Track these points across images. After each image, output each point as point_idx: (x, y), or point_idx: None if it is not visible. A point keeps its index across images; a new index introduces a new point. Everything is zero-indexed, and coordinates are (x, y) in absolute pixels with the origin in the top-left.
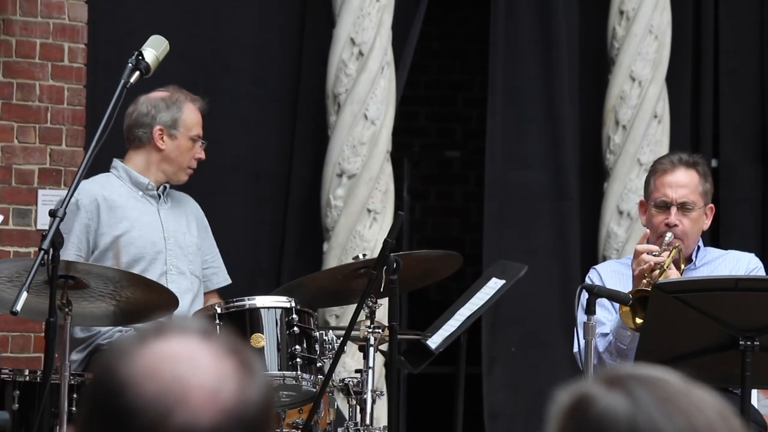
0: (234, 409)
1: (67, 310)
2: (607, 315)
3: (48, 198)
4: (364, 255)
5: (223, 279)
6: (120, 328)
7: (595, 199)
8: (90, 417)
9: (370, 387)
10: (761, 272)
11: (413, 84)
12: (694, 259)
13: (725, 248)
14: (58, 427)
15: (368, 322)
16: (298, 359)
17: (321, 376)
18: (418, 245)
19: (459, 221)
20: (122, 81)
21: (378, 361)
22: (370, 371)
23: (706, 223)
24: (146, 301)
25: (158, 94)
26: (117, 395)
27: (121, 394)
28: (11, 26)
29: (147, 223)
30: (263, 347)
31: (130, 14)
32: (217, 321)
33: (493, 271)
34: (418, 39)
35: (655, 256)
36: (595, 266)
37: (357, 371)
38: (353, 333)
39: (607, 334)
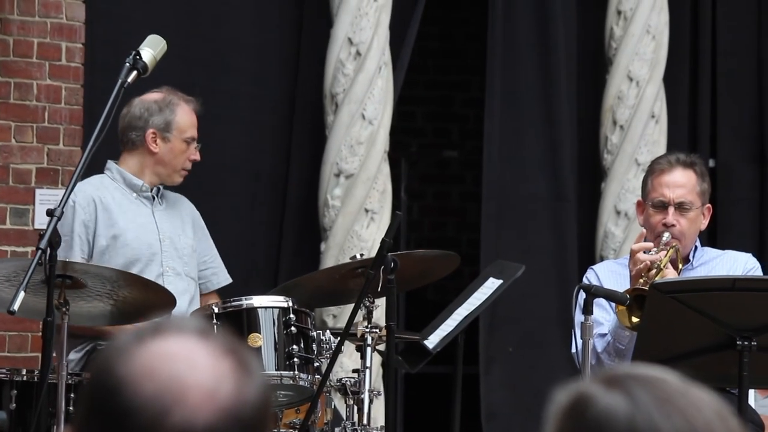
0: (231, 408)
1: (64, 309)
2: (604, 315)
3: (45, 197)
4: (361, 255)
5: (224, 278)
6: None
7: (592, 199)
8: (87, 416)
9: (367, 387)
10: (758, 272)
11: (411, 84)
12: (691, 259)
13: (723, 248)
14: (55, 427)
15: (365, 322)
16: (295, 359)
17: (318, 376)
18: (415, 245)
19: (456, 221)
20: (120, 80)
21: (375, 360)
22: (368, 371)
23: (704, 223)
24: (143, 301)
25: (151, 96)
26: (114, 394)
27: (118, 393)
28: (8, 26)
29: (142, 225)
30: (260, 347)
31: (127, 14)
32: (215, 321)
33: (490, 271)
34: (416, 39)
35: (650, 253)
36: (593, 266)
37: (354, 371)
38: (350, 333)
39: (605, 334)
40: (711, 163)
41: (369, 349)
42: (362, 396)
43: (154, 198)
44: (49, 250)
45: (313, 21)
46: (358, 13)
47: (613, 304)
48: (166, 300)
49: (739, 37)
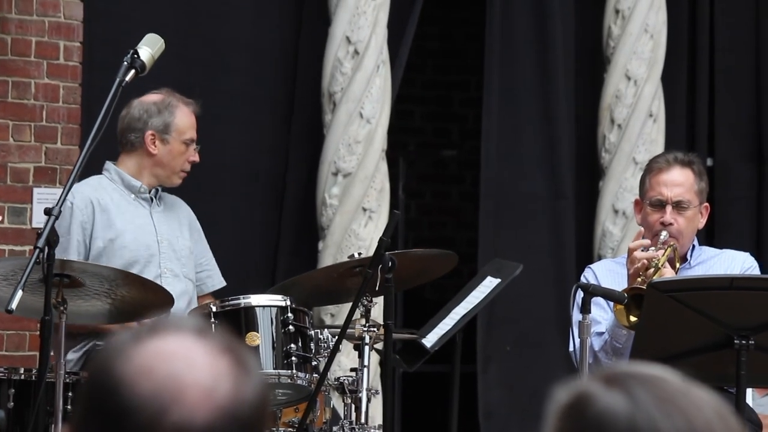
0: (229, 407)
1: (62, 308)
2: (602, 314)
3: (43, 196)
4: (359, 254)
5: (218, 282)
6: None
7: (590, 198)
8: (85, 415)
9: (365, 385)
10: (756, 271)
11: (409, 83)
12: (689, 258)
13: (720, 247)
14: (53, 426)
15: (363, 321)
16: (293, 358)
17: (316, 375)
18: (413, 244)
19: (454, 220)
20: (118, 79)
21: (373, 359)
22: (366, 370)
23: (702, 222)
24: (141, 300)
25: (151, 98)
26: (112, 394)
27: (116, 392)
28: (6, 24)
29: (140, 227)
30: (258, 346)
31: (125, 13)
32: (213, 319)
33: (488, 269)
34: (414, 39)
35: (647, 251)
36: (591, 265)
37: (352, 370)
38: (348, 331)
39: (603, 333)
40: (709, 161)
41: (367, 348)
42: (360, 395)
43: (152, 200)
44: (46, 248)
45: (312, 20)
46: (356, 11)
47: (611, 303)
48: (164, 299)
49: (737, 34)
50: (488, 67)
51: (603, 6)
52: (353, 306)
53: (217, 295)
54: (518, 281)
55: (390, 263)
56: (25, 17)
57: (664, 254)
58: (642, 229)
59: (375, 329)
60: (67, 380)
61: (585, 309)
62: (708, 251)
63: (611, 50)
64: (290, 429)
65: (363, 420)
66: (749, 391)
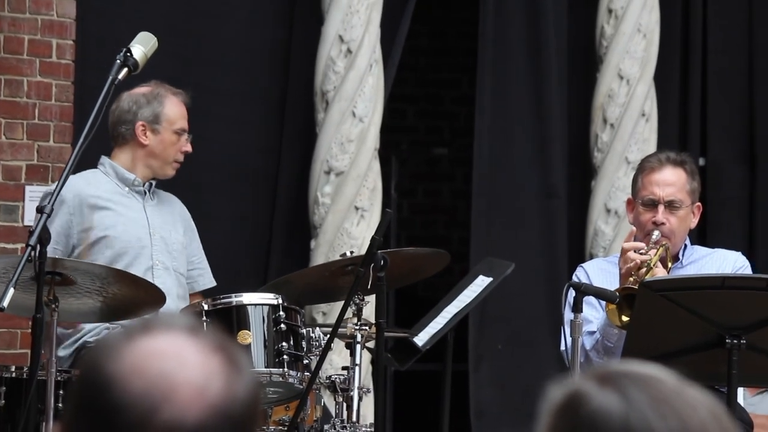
0: (221, 405)
1: (53, 306)
2: (594, 313)
3: (35, 194)
4: (351, 252)
5: (209, 281)
6: (107, 325)
7: (582, 197)
8: (76, 413)
9: (356, 384)
10: (748, 271)
11: (402, 82)
12: (681, 257)
13: (712, 247)
14: (44, 424)
15: (355, 320)
16: (285, 356)
17: (308, 373)
18: (405, 243)
19: (446, 219)
20: (110, 77)
21: (365, 358)
22: (357, 368)
23: (694, 222)
24: (133, 298)
25: (139, 90)
26: (104, 392)
27: (107, 390)
28: None
29: (132, 219)
30: (250, 344)
31: (118, 11)
32: (204, 318)
33: (480, 268)
34: (407, 37)
35: (641, 254)
36: (582, 264)
37: (344, 368)
38: (340, 330)
39: (594, 332)
40: (701, 161)
41: (358, 347)
42: (352, 393)
43: (145, 193)
44: (38, 246)
45: (305, 19)
46: (349, 10)
47: (603, 302)
48: (156, 297)
49: (730, 35)
50: (481, 66)
51: (596, 5)
52: (345, 304)
53: (209, 294)
54: (510, 280)
55: (382, 262)
56: (18, 15)
57: (656, 254)
58: (634, 228)
59: (367, 328)
60: (59, 378)
61: (577, 308)
62: (700, 251)
63: (604, 49)
64: (281, 427)
65: (354, 418)
66: (740, 390)
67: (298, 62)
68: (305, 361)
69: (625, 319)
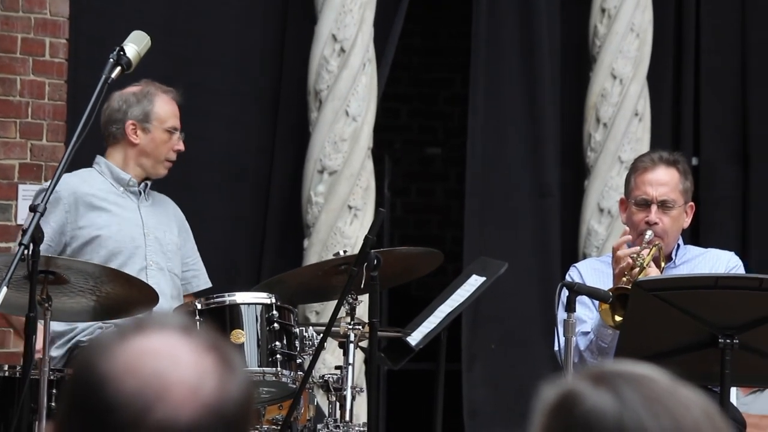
0: (214, 404)
1: (47, 305)
2: (587, 313)
3: (28, 193)
4: (344, 251)
5: (204, 282)
6: (100, 324)
7: (575, 196)
8: (69, 413)
9: (349, 383)
10: (741, 271)
11: (395, 81)
12: (674, 257)
13: (705, 246)
14: (37, 423)
15: (348, 319)
16: (278, 355)
17: (301, 373)
18: (399, 242)
19: (440, 218)
20: (103, 76)
21: (358, 357)
22: (350, 368)
23: (687, 221)
24: (126, 297)
25: (130, 89)
26: (96, 391)
27: (100, 389)
28: None
29: (127, 219)
30: (243, 343)
31: (111, 10)
32: (197, 317)
33: (473, 268)
34: (400, 36)
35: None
36: (576, 264)
37: (337, 368)
38: (333, 329)
39: (588, 332)
40: (694, 161)
41: (352, 346)
42: (345, 392)
43: (140, 193)
44: (31, 245)
45: (298, 18)
46: (342, 9)
47: (596, 302)
48: (149, 296)
49: (723, 35)
50: (474, 66)
51: (589, 5)
52: (338, 304)
53: (202, 295)
54: (503, 279)
55: (375, 261)
56: (11, 14)
57: (649, 253)
58: (627, 228)
59: (360, 327)
60: (52, 377)
61: (570, 308)
62: (693, 250)
63: (597, 49)
64: (274, 427)
65: (347, 418)
66: (733, 390)
67: (291, 61)
68: (298, 361)
69: (618, 318)
